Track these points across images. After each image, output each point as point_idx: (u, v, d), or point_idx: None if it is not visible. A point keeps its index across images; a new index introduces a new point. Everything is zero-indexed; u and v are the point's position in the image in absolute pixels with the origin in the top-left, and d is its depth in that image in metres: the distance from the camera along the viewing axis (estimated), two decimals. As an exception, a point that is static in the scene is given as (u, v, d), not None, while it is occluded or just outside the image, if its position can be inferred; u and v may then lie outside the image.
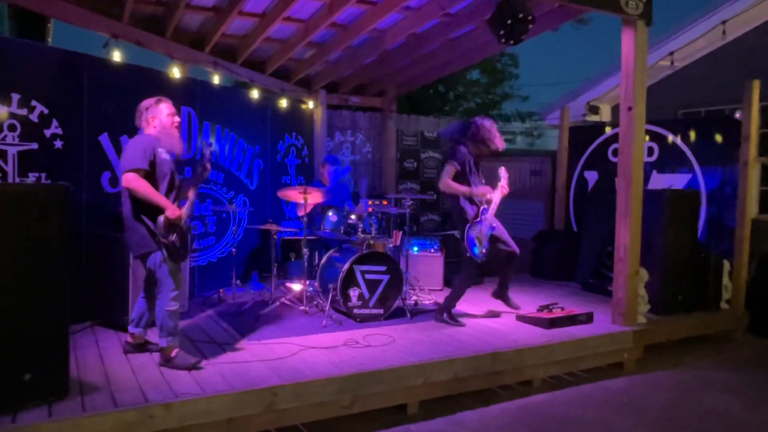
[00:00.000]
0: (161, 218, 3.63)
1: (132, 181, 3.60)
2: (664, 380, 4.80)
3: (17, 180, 4.46)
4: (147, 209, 3.66)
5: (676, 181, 6.75)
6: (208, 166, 3.97)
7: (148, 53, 6.28)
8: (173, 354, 3.76)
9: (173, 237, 3.69)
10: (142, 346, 4.06)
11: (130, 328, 4.06)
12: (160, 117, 3.85)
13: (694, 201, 6.01)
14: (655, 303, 5.43)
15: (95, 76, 5.07)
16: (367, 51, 6.93)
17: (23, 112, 4.55)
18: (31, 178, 4.55)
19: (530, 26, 4.63)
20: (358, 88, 8.41)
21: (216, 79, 6.74)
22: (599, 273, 6.69)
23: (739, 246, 5.99)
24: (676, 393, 4.52)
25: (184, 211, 3.79)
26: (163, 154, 3.78)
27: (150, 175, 3.69)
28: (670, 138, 6.85)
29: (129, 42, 5.90)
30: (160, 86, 5.67)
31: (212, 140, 4.18)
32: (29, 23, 8.52)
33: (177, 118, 3.94)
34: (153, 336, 4.05)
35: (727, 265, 5.97)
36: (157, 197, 3.66)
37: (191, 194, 3.90)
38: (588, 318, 5.18)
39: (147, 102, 3.89)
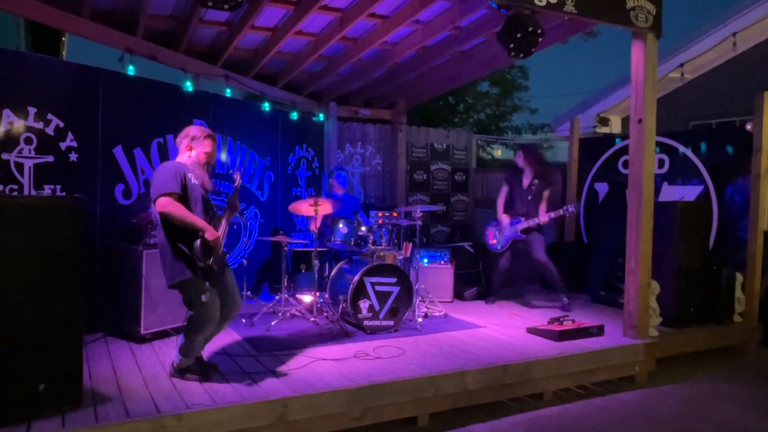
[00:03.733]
0: (197, 242, 3.51)
1: (166, 205, 3.48)
2: (677, 393, 4.76)
3: (33, 192, 4.52)
4: (182, 235, 3.54)
5: (687, 192, 6.72)
6: (237, 203, 3.92)
7: (162, 67, 6.37)
8: (184, 373, 3.78)
9: (211, 261, 3.56)
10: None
11: None
12: (198, 150, 3.78)
13: (705, 213, 5.97)
14: (666, 315, 5.39)
15: (110, 90, 5.15)
16: (377, 64, 6.99)
17: (39, 125, 4.63)
18: (47, 190, 4.62)
19: (540, 39, 4.66)
20: (368, 100, 8.48)
21: (228, 92, 6.81)
22: (610, 285, 6.65)
23: (752, 258, 5.94)
24: (689, 406, 4.48)
25: (220, 235, 3.69)
26: (193, 180, 3.69)
27: (183, 198, 3.59)
28: (681, 150, 6.83)
29: (143, 56, 6.00)
30: (173, 99, 5.77)
31: (236, 175, 4.10)
32: (44, 38, 8.69)
33: (212, 159, 3.86)
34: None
35: (739, 277, 5.92)
36: (193, 219, 3.55)
37: (224, 222, 3.80)
38: (599, 330, 5.15)
39: (197, 131, 3.82)
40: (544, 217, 6.09)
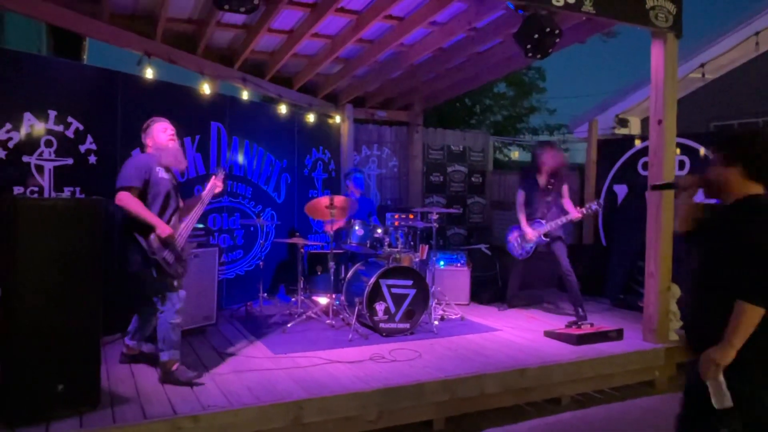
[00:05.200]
0: (152, 236, 3.65)
1: (124, 199, 3.64)
2: (698, 399, 4.68)
3: (53, 194, 4.57)
4: (141, 226, 3.69)
5: (709, 194, 6.61)
6: (206, 199, 4.03)
7: (180, 70, 6.42)
8: (174, 368, 3.78)
9: (165, 253, 3.68)
10: (136, 357, 4.18)
11: (126, 340, 4.18)
12: (153, 137, 3.93)
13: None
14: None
15: (128, 93, 5.19)
16: (393, 66, 6.98)
17: (59, 128, 4.69)
18: (66, 192, 4.66)
19: (557, 40, 4.62)
20: (385, 102, 8.47)
21: (245, 95, 6.85)
22: (629, 288, 6.57)
23: (775, 261, 5.83)
24: (711, 413, 4.40)
25: (183, 230, 3.81)
26: (161, 173, 3.82)
27: (143, 193, 3.74)
28: (702, 151, 6.73)
29: (161, 59, 6.04)
30: (190, 102, 5.80)
31: (220, 170, 4.21)
32: (66, 42, 8.82)
33: (170, 131, 3.96)
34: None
35: (762, 280, 5.81)
36: (147, 215, 3.68)
37: (194, 214, 3.93)
38: (618, 334, 5.08)
39: (144, 124, 4.00)
40: (575, 213, 5.74)
